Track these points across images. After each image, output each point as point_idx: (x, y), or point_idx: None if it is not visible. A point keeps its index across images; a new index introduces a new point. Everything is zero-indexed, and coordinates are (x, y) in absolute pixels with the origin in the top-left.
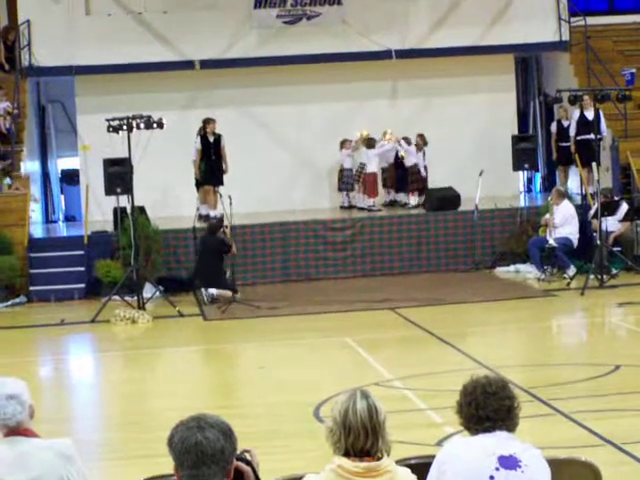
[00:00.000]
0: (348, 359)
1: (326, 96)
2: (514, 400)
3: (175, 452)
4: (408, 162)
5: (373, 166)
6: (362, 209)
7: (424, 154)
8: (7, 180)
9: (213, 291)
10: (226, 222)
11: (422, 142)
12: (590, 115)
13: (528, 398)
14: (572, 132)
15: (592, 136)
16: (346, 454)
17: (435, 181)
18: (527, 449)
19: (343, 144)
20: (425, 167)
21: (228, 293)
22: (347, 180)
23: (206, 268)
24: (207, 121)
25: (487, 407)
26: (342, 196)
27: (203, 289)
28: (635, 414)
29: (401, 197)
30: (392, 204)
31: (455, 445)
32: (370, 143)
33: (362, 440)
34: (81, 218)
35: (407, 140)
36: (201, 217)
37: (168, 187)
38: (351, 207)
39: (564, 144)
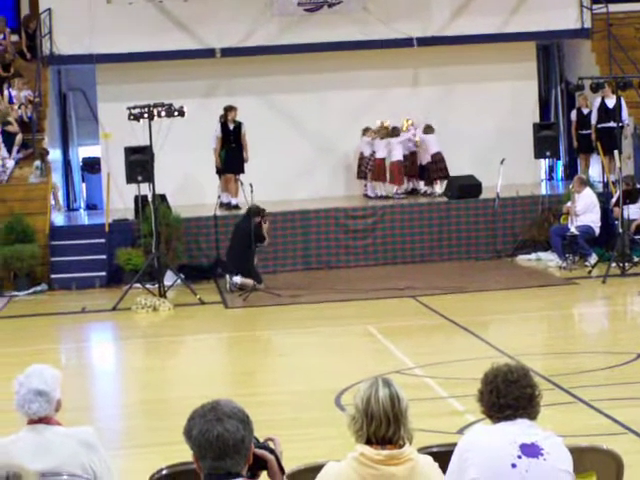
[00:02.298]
0: (369, 347)
1: (347, 84)
2: (535, 388)
3: (196, 445)
4: (431, 150)
5: (398, 154)
6: (373, 197)
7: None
8: (37, 162)
9: (237, 279)
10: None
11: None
12: (611, 103)
13: (549, 386)
14: (593, 120)
15: (613, 124)
16: (368, 442)
17: (456, 169)
18: (549, 437)
19: (365, 132)
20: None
21: (250, 282)
22: (371, 168)
23: (237, 252)
24: (228, 109)
25: (508, 395)
26: (363, 184)
27: (228, 276)
28: None
29: (421, 185)
30: (413, 192)
31: (477, 433)
32: (395, 132)
33: (384, 428)
34: (102, 206)
35: (428, 128)
36: (222, 205)
37: (189, 175)
38: (377, 196)
39: (584, 132)
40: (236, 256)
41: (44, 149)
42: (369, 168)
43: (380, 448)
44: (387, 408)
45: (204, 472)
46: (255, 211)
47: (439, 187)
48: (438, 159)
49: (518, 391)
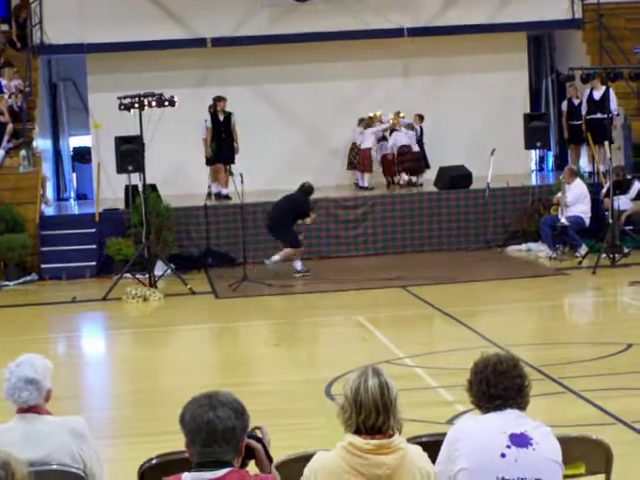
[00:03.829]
0: (360, 337)
1: (338, 74)
2: (525, 379)
3: (187, 429)
4: (398, 143)
5: (369, 142)
6: (364, 187)
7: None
8: (23, 152)
9: (276, 257)
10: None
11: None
12: (598, 94)
13: (539, 376)
14: (583, 111)
15: (600, 115)
16: (357, 431)
17: (447, 159)
18: (538, 427)
19: (361, 122)
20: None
21: (290, 251)
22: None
23: (278, 217)
24: (217, 99)
25: (498, 385)
26: (356, 175)
27: (266, 260)
28: None
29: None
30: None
31: (466, 423)
32: (370, 122)
33: (373, 417)
34: (92, 196)
35: (419, 118)
36: (212, 195)
37: (180, 165)
38: (367, 186)
39: (575, 123)
40: (276, 219)
41: (29, 137)
42: (359, 159)
43: (369, 438)
44: (376, 397)
45: (195, 459)
46: (309, 189)
47: (401, 180)
48: (403, 152)
49: (508, 381)
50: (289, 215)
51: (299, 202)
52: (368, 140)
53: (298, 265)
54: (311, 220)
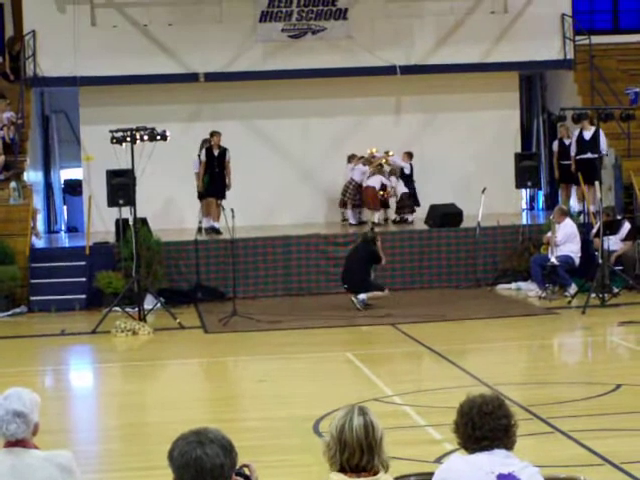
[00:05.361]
0: (348, 374)
1: (330, 111)
2: (511, 418)
3: (175, 466)
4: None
5: (373, 181)
6: (355, 224)
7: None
8: (13, 184)
9: (363, 296)
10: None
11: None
12: (588, 135)
13: (528, 416)
14: (572, 152)
15: (590, 155)
16: (342, 470)
17: (438, 197)
18: (526, 467)
19: (351, 159)
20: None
21: (377, 293)
22: (350, 195)
23: (353, 273)
24: (213, 134)
25: (484, 427)
26: (349, 212)
27: (353, 297)
28: (635, 434)
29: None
30: (395, 221)
31: (454, 463)
32: (368, 160)
33: (357, 457)
34: (83, 229)
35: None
36: (203, 229)
37: (171, 199)
38: (360, 223)
39: (565, 162)
40: (351, 276)
41: (20, 169)
42: (347, 196)
43: (354, 476)
44: (361, 437)
45: None
46: (372, 237)
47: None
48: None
49: (494, 422)
50: (364, 266)
51: (370, 252)
52: (373, 178)
53: (368, 296)
54: (384, 261)
